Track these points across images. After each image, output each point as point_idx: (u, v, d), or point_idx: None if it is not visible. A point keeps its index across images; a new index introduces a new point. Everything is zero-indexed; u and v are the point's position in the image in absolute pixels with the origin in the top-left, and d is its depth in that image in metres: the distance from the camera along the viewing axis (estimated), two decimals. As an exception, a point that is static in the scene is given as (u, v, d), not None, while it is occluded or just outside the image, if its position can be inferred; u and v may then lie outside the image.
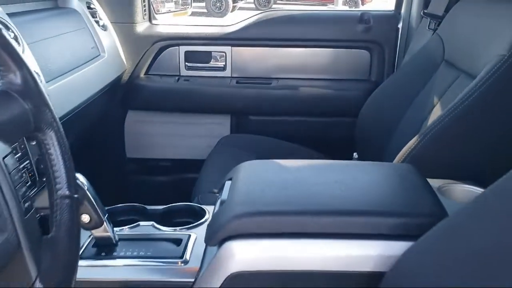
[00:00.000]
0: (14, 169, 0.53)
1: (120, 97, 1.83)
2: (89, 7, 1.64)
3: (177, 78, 1.86)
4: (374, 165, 0.99)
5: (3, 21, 1.08)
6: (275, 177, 0.91)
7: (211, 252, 0.83)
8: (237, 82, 1.86)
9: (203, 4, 10.49)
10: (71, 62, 1.38)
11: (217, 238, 0.79)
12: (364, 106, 1.60)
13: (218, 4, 10.41)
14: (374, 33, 1.79)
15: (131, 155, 1.93)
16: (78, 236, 0.63)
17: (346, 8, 9.57)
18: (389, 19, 1.83)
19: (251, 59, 1.86)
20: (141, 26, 1.81)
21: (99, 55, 1.58)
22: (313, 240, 0.76)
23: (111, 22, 1.74)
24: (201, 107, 1.86)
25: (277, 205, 0.80)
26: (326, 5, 10.14)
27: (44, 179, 0.62)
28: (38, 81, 0.59)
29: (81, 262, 0.83)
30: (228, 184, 0.93)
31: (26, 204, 0.54)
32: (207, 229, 0.84)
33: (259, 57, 1.85)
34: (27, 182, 0.55)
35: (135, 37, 1.80)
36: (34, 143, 0.60)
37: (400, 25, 1.80)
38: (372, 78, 1.82)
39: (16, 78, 0.57)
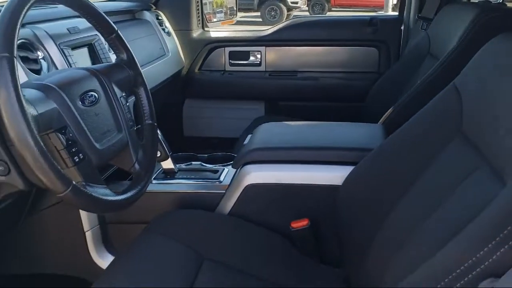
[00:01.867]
0: (124, 104, 0.98)
1: (179, 87, 2.21)
2: (157, 18, 2.02)
3: (222, 72, 2.24)
4: (352, 124, 1.38)
5: None
6: (280, 130, 1.33)
7: (235, 174, 1.27)
8: (269, 75, 2.20)
9: (258, 13, 10.79)
10: (145, 59, 1.75)
11: (239, 163, 1.23)
12: (370, 92, 1.95)
13: (272, 13, 10.55)
14: (381, 34, 2.09)
15: (187, 134, 2.34)
16: (157, 146, 1.09)
17: (395, 13, 9.58)
18: (393, 22, 2.13)
19: (281, 56, 2.19)
20: (196, 32, 2.18)
21: (165, 54, 1.92)
22: (300, 165, 1.17)
23: (173, 29, 2.08)
24: (241, 95, 2.23)
25: (278, 144, 1.23)
26: (375, 11, 10.25)
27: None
28: (136, 60, 1.06)
29: (155, 181, 1.27)
30: (249, 136, 1.37)
31: (130, 123, 1.00)
32: (234, 160, 1.28)
33: (288, 54, 2.19)
34: (129, 114, 1.01)
35: (191, 41, 2.16)
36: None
37: (402, 27, 2.10)
38: (380, 71, 2.12)
39: (124, 56, 1.04)
